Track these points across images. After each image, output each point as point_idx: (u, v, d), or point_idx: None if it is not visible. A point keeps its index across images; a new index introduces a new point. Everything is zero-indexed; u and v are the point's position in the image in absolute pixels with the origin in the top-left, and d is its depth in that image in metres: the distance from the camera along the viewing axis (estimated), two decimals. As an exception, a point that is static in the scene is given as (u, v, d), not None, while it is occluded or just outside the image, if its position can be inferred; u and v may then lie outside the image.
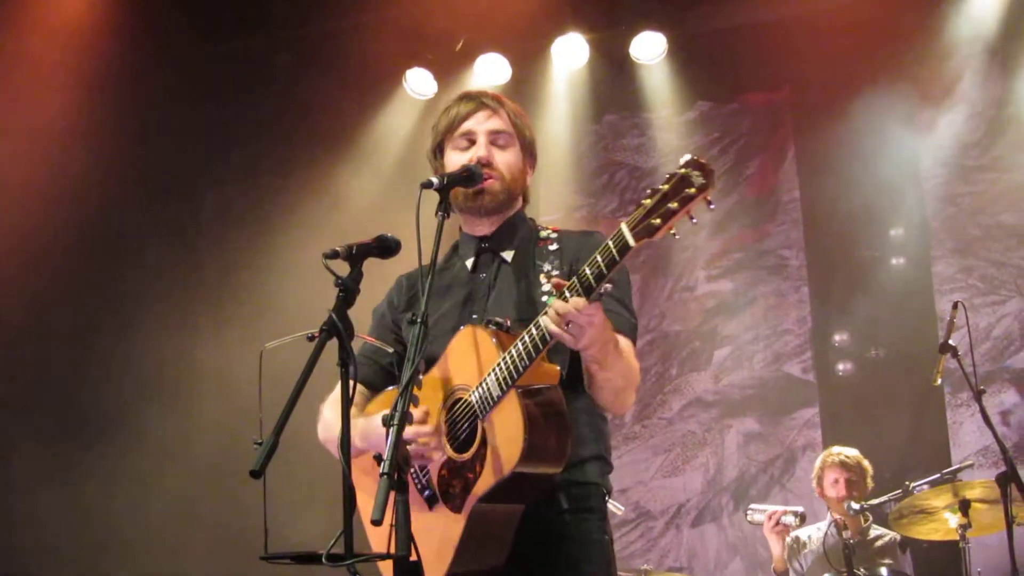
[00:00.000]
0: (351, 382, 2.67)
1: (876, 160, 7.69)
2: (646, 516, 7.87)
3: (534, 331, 2.80)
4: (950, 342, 5.28)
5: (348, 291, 2.75)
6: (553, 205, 8.42)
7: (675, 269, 8.18)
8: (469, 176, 3.07)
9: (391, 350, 3.24)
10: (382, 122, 8.11)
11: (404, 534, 2.51)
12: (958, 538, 5.46)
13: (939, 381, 5.52)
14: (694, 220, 2.61)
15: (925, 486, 5.61)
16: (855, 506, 5.85)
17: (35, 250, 6.91)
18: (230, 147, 8.01)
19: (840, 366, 7.71)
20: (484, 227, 3.28)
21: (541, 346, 2.79)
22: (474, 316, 3.16)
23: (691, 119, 8.28)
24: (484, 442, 2.88)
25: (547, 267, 3.14)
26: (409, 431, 2.70)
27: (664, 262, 8.21)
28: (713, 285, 8.09)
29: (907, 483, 5.67)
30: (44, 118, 6.87)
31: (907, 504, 5.63)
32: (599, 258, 2.66)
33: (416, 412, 2.74)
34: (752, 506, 6.46)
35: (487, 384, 2.86)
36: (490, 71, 7.92)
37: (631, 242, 2.62)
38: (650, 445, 7.93)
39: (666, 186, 2.62)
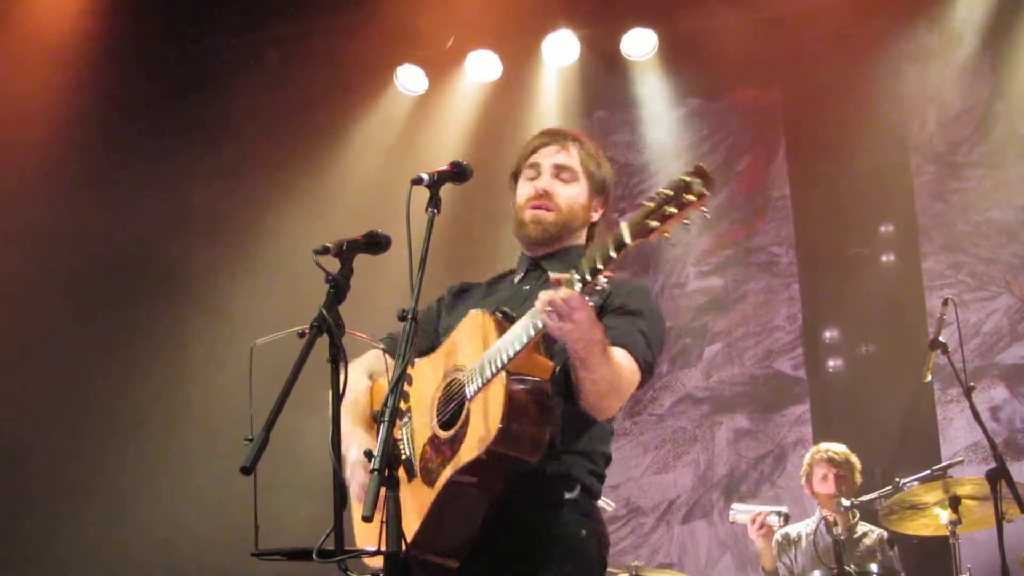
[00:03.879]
0: (341, 379, 2.67)
1: (866, 157, 7.70)
2: (637, 512, 7.87)
3: (527, 320, 2.85)
4: (940, 338, 5.28)
5: (339, 287, 2.75)
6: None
7: (665, 266, 8.19)
8: (459, 172, 3.07)
9: (381, 345, 3.26)
10: (373, 118, 8.10)
11: (395, 530, 2.51)
12: (948, 534, 5.47)
13: (929, 377, 5.53)
14: (688, 224, 2.77)
15: (915, 483, 5.61)
16: (846, 502, 5.85)
17: (24, 251, 6.91)
18: (219, 144, 7.99)
19: (830, 363, 7.73)
20: (540, 251, 3.38)
21: (532, 333, 2.84)
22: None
23: (681, 116, 8.28)
24: (467, 421, 2.93)
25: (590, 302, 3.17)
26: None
27: (655, 259, 8.21)
28: (703, 282, 8.09)
29: (897, 479, 5.69)
30: (31, 117, 6.86)
31: (897, 500, 5.64)
32: (596, 253, 2.75)
33: None
34: (734, 506, 6.44)
35: (481, 365, 2.92)
36: (481, 67, 7.93)
37: (627, 240, 2.72)
38: (641, 441, 7.94)
39: (669, 191, 2.73)
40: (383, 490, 2.51)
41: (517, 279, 3.40)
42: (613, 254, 2.71)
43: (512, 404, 2.84)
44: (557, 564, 3.03)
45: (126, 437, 7.25)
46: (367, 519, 2.39)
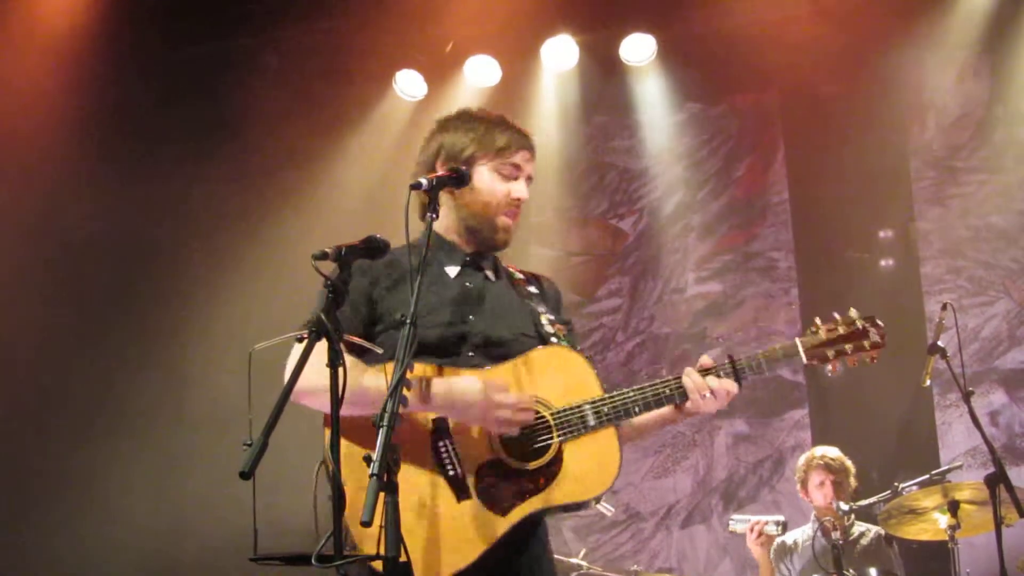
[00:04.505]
0: (340, 384, 2.66)
1: (864, 161, 7.70)
2: (636, 517, 7.87)
3: (661, 389, 3.12)
4: (939, 343, 5.27)
5: (337, 292, 2.74)
6: (543, 207, 8.43)
7: (665, 271, 8.19)
8: (459, 177, 3.08)
9: (380, 350, 3.23)
10: (372, 123, 8.11)
11: (394, 535, 2.50)
12: (947, 539, 5.47)
13: (928, 382, 5.51)
14: (855, 364, 3.19)
15: (914, 487, 5.61)
16: (844, 507, 5.85)
17: (24, 252, 6.91)
18: (219, 148, 8.00)
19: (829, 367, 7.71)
20: (471, 243, 3.35)
21: (664, 403, 3.14)
22: (471, 317, 3.19)
23: (680, 121, 8.29)
24: (558, 460, 3.02)
25: (542, 308, 3.33)
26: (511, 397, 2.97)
27: (654, 264, 8.22)
28: (703, 287, 8.10)
29: (896, 484, 5.67)
30: (30, 118, 6.87)
31: (896, 505, 5.63)
32: (762, 357, 3.20)
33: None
34: (733, 516, 6.44)
35: (582, 411, 3.05)
36: (480, 72, 7.94)
37: (804, 360, 3.20)
38: (640, 447, 7.93)
39: (844, 329, 3.20)
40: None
41: (454, 273, 3.30)
42: (784, 365, 3.20)
43: (622, 460, 3.07)
44: (544, 563, 3.17)
45: (126, 438, 7.25)
46: (366, 524, 2.39)
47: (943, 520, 5.47)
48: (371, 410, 2.63)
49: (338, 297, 2.74)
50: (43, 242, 7.07)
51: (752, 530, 6.19)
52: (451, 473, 2.98)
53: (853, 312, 3.25)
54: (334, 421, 2.63)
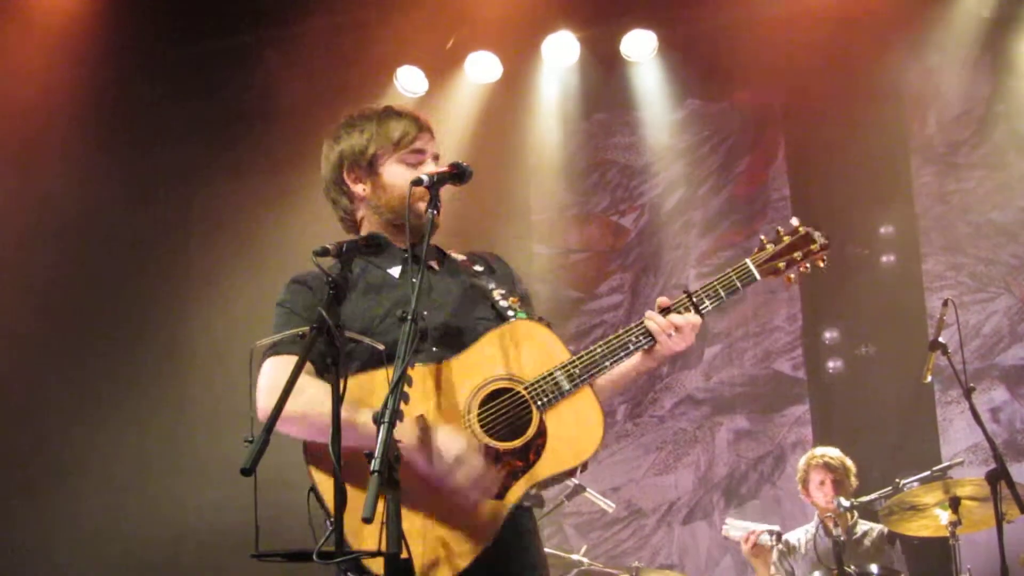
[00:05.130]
0: (342, 380, 2.66)
1: (865, 158, 7.70)
2: (637, 514, 7.87)
3: (626, 338, 3.09)
4: (940, 339, 5.27)
5: (338, 288, 2.74)
6: (544, 204, 8.42)
7: (666, 267, 8.19)
8: (459, 174, 3.07)
9: (381, 346, 3.22)
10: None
11: (395, 532, 2.50)
12: (948, 535, 5.47)
13: (929, 379, 5.51)
14: (807, 271, 3.25)
15: (915, 483, 5.61)
16: (845, 503, 5.85)
17: (24, 255, 6.91)
18: (220, 145, 7.99)
19: (830, 363, 7.72)
20: (403, 240, 3.23)
21: (632, 352, 3.10)
22: (425, 312, 3.05)
23: (681, 117, 8.28)
24: (542, 432, 2.96)
25: (492, 285, 3.26)
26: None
27: (655, 260, 8.21)
28: (704, 283, 8.08)
29: (897, 480, 5.68)
30: (29, 120, 6.87)
31: (897, 501, 5.64)
32: (717, 283, 3.24)
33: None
34: (728, 520, 6.42)
35: (554, 377, 2.99)
36: (481, 69, 7.93)
37: (758, 277, 3.22)
38: (641, 443, 7.94)
39: (789, 237, 3.23)
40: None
41: (397, 273, 3.21)
42: (740, 288, 3.19)
43: (603, 415, 3.00)
44: (536, 552, 3.15)
45: (127, 435, 7.25)
46: (367, 520, 2.39)
47: (944, 516, 5.48)
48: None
49: (339, 293, 2.74)
50: (42, 240, 7.06)
51: (747, 540, 6.21)
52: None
53: (794, 220, 3.31)
54: (334, 417, 2.63)
